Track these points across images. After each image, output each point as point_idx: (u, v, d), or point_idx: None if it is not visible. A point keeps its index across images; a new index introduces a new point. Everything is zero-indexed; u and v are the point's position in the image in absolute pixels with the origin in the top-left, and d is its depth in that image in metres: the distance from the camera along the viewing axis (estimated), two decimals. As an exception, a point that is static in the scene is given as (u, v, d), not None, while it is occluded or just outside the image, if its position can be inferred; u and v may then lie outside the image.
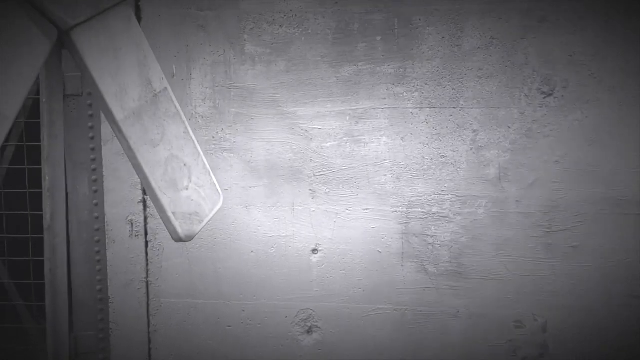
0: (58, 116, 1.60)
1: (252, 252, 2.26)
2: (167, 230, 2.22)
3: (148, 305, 2.30)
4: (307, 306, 2.26)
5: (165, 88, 1.78)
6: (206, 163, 1.84)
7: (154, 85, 1.74)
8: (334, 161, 2.21)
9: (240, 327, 2.29)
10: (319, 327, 2.28)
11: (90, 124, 3.34)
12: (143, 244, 2.28)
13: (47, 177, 1.56)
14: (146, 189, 1.67)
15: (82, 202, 3.43)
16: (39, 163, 3.31)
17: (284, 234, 2.25)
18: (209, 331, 2.30)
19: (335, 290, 2.25)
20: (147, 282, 2.30)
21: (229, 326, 2.29)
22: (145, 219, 2.26)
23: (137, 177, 2.24)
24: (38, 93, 3.46)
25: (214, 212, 1.87)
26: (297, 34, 2.18)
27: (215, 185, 1.90)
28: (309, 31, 2.18)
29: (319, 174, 2.22)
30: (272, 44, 2.19)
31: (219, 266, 2.27)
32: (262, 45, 2.19)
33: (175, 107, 1.80)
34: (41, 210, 3.19)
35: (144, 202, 2.26)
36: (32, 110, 3.43)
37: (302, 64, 2.18)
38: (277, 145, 2.22)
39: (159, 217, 2.27)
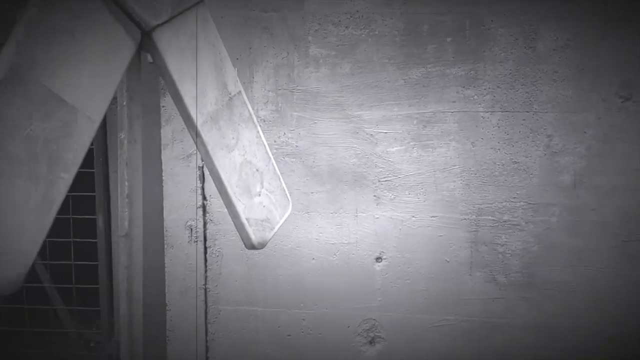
0: (137, 121, 1.57)
1: (313, 259, 2.21)
2: (226, 236, 2.19)
3: (206, 312, 2.27)
4: (370, 316, 2.21)
5: (240, 91, 1.75)
6: (276, 168, 1.81)
7: (229, 88, 1.71)
8: (400, 166, 2.16)
9: (300, 336, 2.25)
10: (382, 338, 2.23)
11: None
12: (202, 250, 2.25)
13: (126, 183, 1.53)
14: (221, 195, 1.64)
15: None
16: (85, 167, 3.31)
17: (346, 241, 2.20)
18: (268, 340, 2.26)
19: (399, 300, 2.20)
20: (205, 289, 2.27)
21: (289, 335, 2.25)
22: (205, 224, 2.23)
23: (196, 182, 2.21)
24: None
25: (284, 219, 1.83)
26: (363, 35, 2.14)
27: (285, 191, 1.86)
28: (376, 32, 2.13)
29: (384, 179, 2.16)
30: (337, 46, 2.14)
31: (279, 273, 2.23)
32: (327, 47, 2.15)
33: (249, 110, 1.77)
34: (82, 214, 3.19)
35: (204, 207, 2.23)
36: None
37: (368, 66, 2.13)
38: (340, 150, 2.17)
39: (218, 222, 2.25)
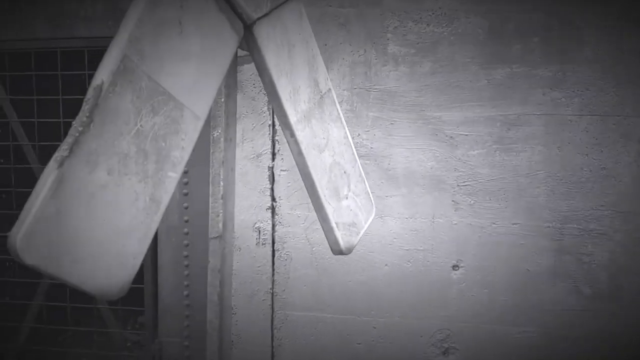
0: (233, 118, 1.52)
1: (386, 265, 2.15)
2: (295, 239, 2.13)
3: (273, 317, 2.22)
4: (444, 326, 2.14)
5: (330, 89, 1.69)
6: (362, 170, 1.75)
7: (320, 86, 1.66)
8: (480, 170, 2.09)
9: (371, 344, 2.19)
10: (457, 349, 2.16)
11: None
12: (270, 253, 2.20)
13: (221, 183, 1.49)
14: (311, 198, 1.58)
15: (171, 206, 3.39)
16: None
17: (421, 248, 2.13)
18: (337, 348, 2.20)
19: (476, 310, 2.13)
20: (272, 293, 2.22)
21: (359, 343, 2.19)
22: (273, 226, 2.18)
23: (266, 182, 2.16)
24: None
25: (368, 223, 1.77)
26: (445, 33, 2.07)
27: (369, 195, 1.80)
28: (459, 30, 2.06)
29: (464, 184, 2.10)
30: (417, 44, 2.08)
31: (349, 279, 2.17)
32: (406, 45, 2.09)
33: (337, 109, 1.71)
34: None
35: (273, 209, 2.18)
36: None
37: (449, 65, 2.07)
38: (417, 152, 2.11)
39: (287, 225, 2.19)
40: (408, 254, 2.13)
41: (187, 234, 3.35)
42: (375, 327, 2.17)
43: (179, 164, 1.25)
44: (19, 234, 0.99)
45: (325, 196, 1.59)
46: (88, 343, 3.96)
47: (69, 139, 1.08)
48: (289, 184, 2.13)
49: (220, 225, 1.49)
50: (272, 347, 2.26)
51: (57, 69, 3.39)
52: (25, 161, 3.51)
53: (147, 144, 1.18)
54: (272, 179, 2.16)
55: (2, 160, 3.52)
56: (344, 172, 1.69)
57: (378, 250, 2.15)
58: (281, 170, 2.13)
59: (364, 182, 1.75)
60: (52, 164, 1.05)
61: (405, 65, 2.09)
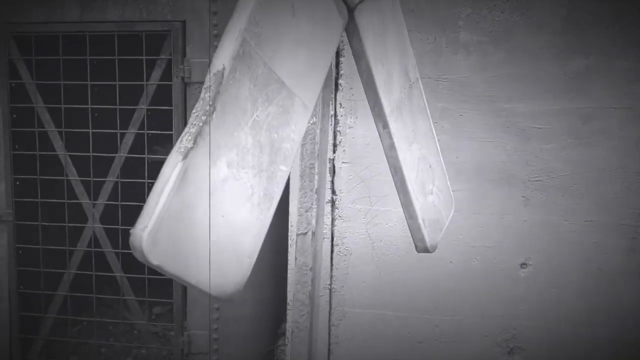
0: (327, 109, 1.46)
1: (451, 262, 2.10)
2: (355, 234, 2.07)
3: (330, 314, 2.16)
4: (510, 325, 2.10)
5: (417, 79, 1.63)
6: (443, 164, 1.69)
7: (409, 75, 1.60)
8: (554, 165, 2.04)
9: (433, 344, 2.14)
10: (523, 349, 2.12)
11: None
12: (328, 248, 2.14)
13: (316, 177, 1.42)
14: (400, 193, 1.52)
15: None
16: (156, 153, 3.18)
17: (488, 245, 2.09)
18: (397, 346, 2.15)
19: (544, 310, 2.08)
20: (330, 289, 2.16)
21: (420, 342, 2.15)
22: (333, 220, 2.12)
23: (329, 175, 2.10)
24: (164, 78, 3.35)
25: (449, 219, 1.72)
26: (520, 21, 2.01)
27: (450, 189, 1.75)
28: (534, 19, 2.00)
29: (535, 179, 2.05)
30: (491, 32, 2.02)
31: (411, 276, 2.12)
32: (479, 33, 2.03)
33: (424, 100, 1.65)
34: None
35: (333, 202, 2.12)
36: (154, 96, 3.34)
37: (524, 55, 2.01)
38: (487, 146, 2.06)
39: (347, 219, 2.14)
40: (474, 250, 2.08)
41: (218, 224, 3.28)
42: (437, 326, 2.12)
43: (289, 156, 1.19)
44: (145, 232, 0.92)
45: (414, 191, 1.53)
46: (103, 334, 3.90)
47: (191, 129, 1.02)
48: (350, 177, 2.07)
49: (314, 221, 1.42)
50: (329, 344, 2.21)
51: (85, 54, 3.30)
52: (51, 148, 3.43)
53: (261, 135, 1.12)
54: (333, 172, 2.10)
55: (17, 146, 3.43)
56: (429, 167, 1.63)
57: (443, 246, 2.08)
58: (342, 162, 2.07)
59: (446, 176, 1.70)
60: (175, 155, 0.98)
61: (477, 54, 2.03)
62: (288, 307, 2.20)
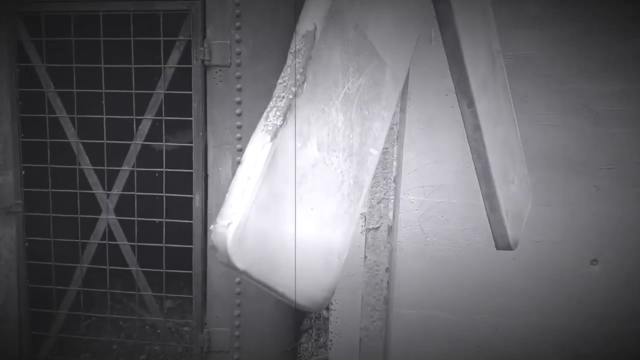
0: (406, 85, 1.28)
1: (513, 259, 1.93)
2: (407, 228, 1.90)
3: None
4: (576, 328, 1.93)
5: (499, 51, 1.44)
6: (522, 150, 1.52)
7: (492, 46, 1.41)
8: (629, 151, 1.86)
9: (492, 347, 1.97)
10: (589, 353, 1.95)
11: (237, 99, 3.04)
12: (378, 242, 1.96)
13: (394, 164, 1.25)
14: (483, 183, 1.34)
15: (224, 186, 3.16)
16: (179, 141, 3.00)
17: (555, 239, 1.92)
18: (452, 349, 1.99)
19: (615, 310, 1.92)
20: (388, 284, 1.96)
21: (478, 346, 1.98)
22: (384, 212, 1.93)
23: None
24: (182, 61, 3.17)
25: (528, 212, 1.54)
26: (593, -7, 1.83)
27: (528, 178, 1.57)
28: (609, -10, 1.82)
29: (608, 167, 1.88)
30: (561, 4, 1.84)
31: (468, 273, 1.95)
32: (547, 6, 1.84)
33: (505, 76, 1.47)
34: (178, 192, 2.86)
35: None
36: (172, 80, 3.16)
37: (597, 30, 1.82)
38: (554, 130, 1.88)
39: (398, 211, 1.96)
40: (540, 246, 1.92)
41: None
42: (496, 328, 1.96)
43: (379, 137, 1.01)
44: (230, 230, 0.74)
45: (497, 180, 1.35)
46: (114, 330, 3.75)
47: (279, 103, 0.84)
48: (403, 165, 1.90)
49: (390, 214, 1.24)
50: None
51: (99, 35, 3.12)
52: (62, 135, 3.26)
53: (352, 112, 0.94)
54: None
55: (25, 134, 3.25)
56: (511, 151, 1.45)
57: (541, 245, 1.90)
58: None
59: (524, 163, 1.52)
60: (261, 135, 0.80)
61: (543, 28, 1.84)
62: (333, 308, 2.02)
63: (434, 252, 1.95)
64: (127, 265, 3.29)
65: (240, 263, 0.77)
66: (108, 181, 3.22)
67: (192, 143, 3.09)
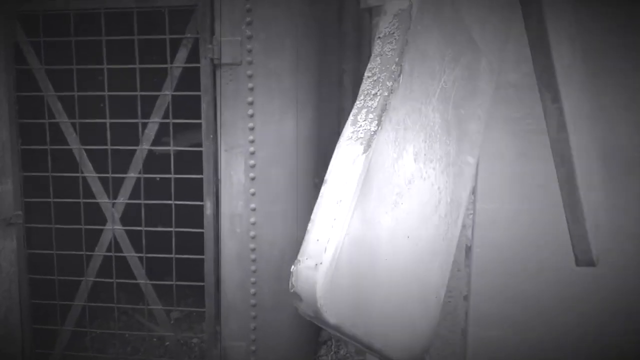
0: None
1: (601, 273, 1.68)
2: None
3: (466, 333, 1.71)
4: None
5: (580, 33, 1.25)
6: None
7: (572, 29, 1.22)
8: None
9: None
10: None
11: (249, 99, 2.84)
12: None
13: (472, 171, 1.05)
14: (566, 190, 1.14)
15: (236, 192, 2.96)
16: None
17: None
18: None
19: None
20: (467, 313, 1.72)
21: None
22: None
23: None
24: (190, 60, 2.96)
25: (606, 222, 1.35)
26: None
27: (607, 183, 1.38)
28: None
29: None
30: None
31: (545, 290, 1.70)
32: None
33: (585, 65, 1.28)
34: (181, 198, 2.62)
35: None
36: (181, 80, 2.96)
37: None
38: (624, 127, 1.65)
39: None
40: (634, 259, 1.68)
41: (254, 224, 2.93)
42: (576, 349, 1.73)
43: (476, 142, 0.81)
44: (320, 273, 0.55)
45: (582, 188, 1.16)
46: (120, 343, 3.56)
47: (370, 102, 0.65)
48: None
49: (470, 232, 1.05)
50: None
51: (100, 34, 2.92)
52: (63, 141, 3.06)
53: (448, 111, 0.75)
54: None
55: (24, 141, 3.05)
56: (595, 155, 1.26)
57: (608, 256, 1.65)
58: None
59: (606, 167, 1.33)
60: (351, 144, 0.61)
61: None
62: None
63: (503, 266, 1.71)
64: (133, 277, 3.10)
65: (332, 316, 0.58)
66: (113, 189, 3.03)
67: (201, 147, 2.90)
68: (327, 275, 0.54)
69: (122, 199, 2.99)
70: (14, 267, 3.07)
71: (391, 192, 0.62)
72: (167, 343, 3.54)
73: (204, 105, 2.83)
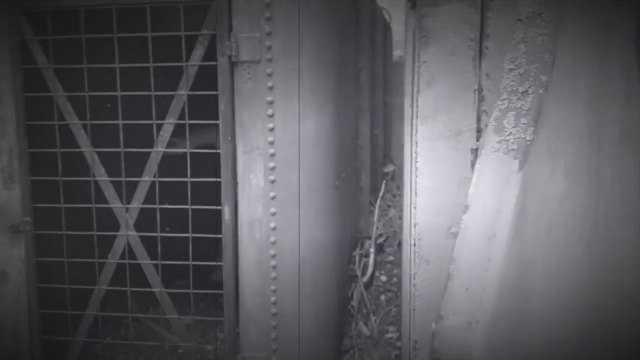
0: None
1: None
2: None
3: None
4: None
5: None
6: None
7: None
8: None
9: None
10: None
11: (269, 98, 2.69)
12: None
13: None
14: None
15: (255, 195, 2.82)
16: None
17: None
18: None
19: None
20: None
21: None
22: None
23: (467, 170, 1.58)
24: (204, 58, 2.81)
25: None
26: None
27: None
28: None
29: None
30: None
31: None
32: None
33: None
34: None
35: (476, 206, 1.58)
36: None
37: None
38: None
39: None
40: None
41: (274, 229, 2.79)
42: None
43: (614, 150, 0.66)
44: (477, 337, 0.44)
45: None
46: (131, 351, 3.42)
47: (519, 102, 0.55)
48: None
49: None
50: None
51: (112, 31, 2.78)
52: (74, 144, 2.91)
53: (591, 112, 0.60)
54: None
55: (32, 143, 2.92)
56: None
57: None
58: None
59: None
60: (501, 159, 0.51)
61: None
62: None
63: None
64: (144, 283, 2.96)
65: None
66: (127, 194, 2.88)
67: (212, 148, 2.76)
68: (485, 336, 0.39)
69: (137, 204, 2.84)
70: (22, 276, 2.93)
71: (545, 219, 0.48)
72: (180, 350, 3.40)
73: (221, 106, 2.69)
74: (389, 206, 4.19)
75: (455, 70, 1.50)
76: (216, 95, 2.68)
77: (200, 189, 2.80)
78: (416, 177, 1.50)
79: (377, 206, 3.83)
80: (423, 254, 1.56)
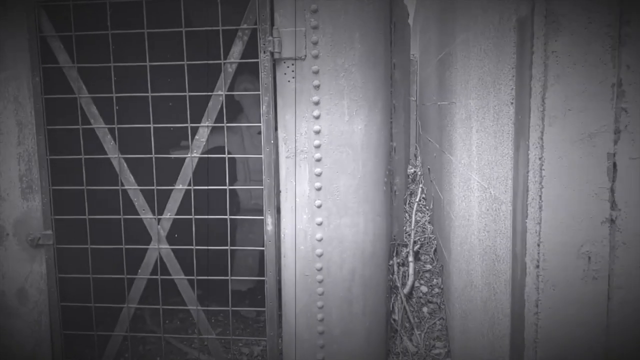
0: None
1: None
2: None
3: None
4: None
5: None
6: None
7: None
8: None
9: None
10: None
11: (315, 98, 2.43)
12: (605, 295, 1.35)
13: None
14: None
15: (300, 204, 2.56)
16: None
17: None
18: None
19: None
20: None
21: None
22: (613, 250, 1.33)
23: (602, 179, 1.33)
24: (244, 54, 2.54)
25: None
26: None
27: None
28: None
29: None
30: None
31: None
32: None
33: None
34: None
35: (612, 221, 1.33)
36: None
37: None
38: None
39: (635, 247, 1.36)
40: None
41: (320, 240, 2.53)
42: None
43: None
44: None
45: None
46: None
47: None
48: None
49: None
50: None
51: (141, 27, 2.50)
52: (99, 150, 2.64)
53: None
54: (614, 174, 1.32)
55: (53, 150, 2.64)
56: None
57: None
58: (630, 158, 1.30)
59: None
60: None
61: None
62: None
63: None
64: (177, 300, 2.70)
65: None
66: (158, 204, 2.61)
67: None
68: None
69: (169, 215, 2.57)
70: (44, 295, 2.65)
71: None
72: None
73: (263, 106, 2.42)
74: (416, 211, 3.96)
75: (590, 61, 1.24)
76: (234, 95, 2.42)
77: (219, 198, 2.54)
78: (542, 187, 1.24)
79: (413, 211, 3.59)
80: (549, 277, 1.30)
